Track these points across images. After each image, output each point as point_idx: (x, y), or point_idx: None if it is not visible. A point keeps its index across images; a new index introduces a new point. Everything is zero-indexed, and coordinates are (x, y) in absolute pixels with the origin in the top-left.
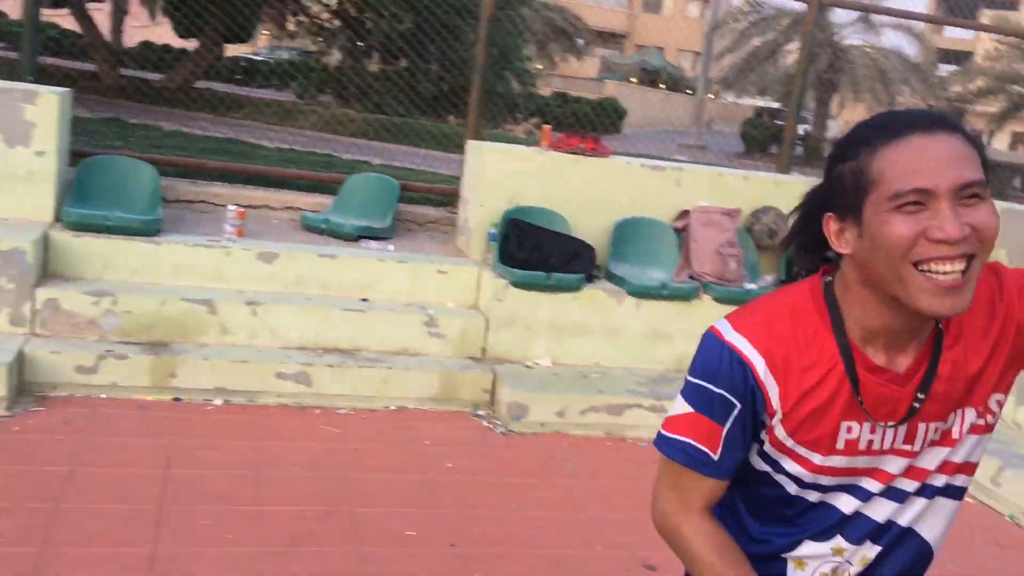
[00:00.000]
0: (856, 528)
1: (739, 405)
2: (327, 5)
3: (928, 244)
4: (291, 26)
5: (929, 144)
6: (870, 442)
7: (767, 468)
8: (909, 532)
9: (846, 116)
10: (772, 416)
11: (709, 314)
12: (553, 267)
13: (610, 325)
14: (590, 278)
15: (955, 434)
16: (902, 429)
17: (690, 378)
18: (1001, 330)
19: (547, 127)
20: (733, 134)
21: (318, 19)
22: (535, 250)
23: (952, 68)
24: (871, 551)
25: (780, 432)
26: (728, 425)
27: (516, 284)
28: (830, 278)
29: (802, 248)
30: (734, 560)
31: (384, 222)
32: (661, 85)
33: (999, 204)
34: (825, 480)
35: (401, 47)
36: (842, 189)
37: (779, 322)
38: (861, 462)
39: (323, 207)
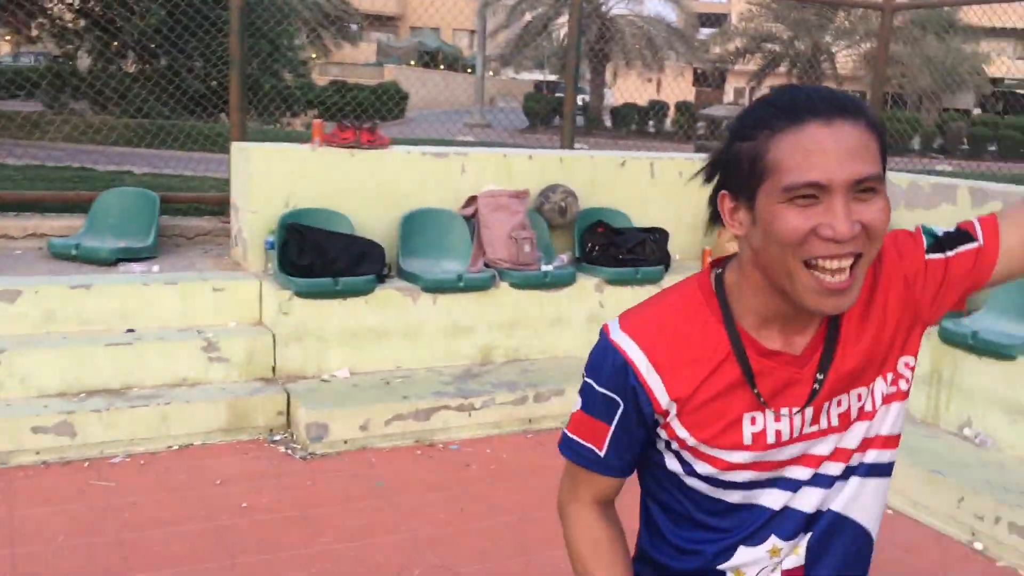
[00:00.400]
0: (788, 523)
1: (622, 404)
2: (70, 4)
3: (818, 241)
4: (33, 30)
5: (827, 135)
6: (778, 432)
7: (679, 469)
8: (846, 520)
9: (620, 84)
10: (664, 415)
11: (509, 301)
12: (340, 271)
13: (408, 325)
14: (381, 278)
15: (869, 407)
16: (808, 412)
17: (583, 375)
18: (887, 296)
19: (318, 121)
20: (517, 109)
21: (61, 20)
22: (318, 255)
23: (711, 31)
24: (803, 542)
25: (680, 430)
26: (614, 424)
27: (301, 294)
28: (720, 270)
29: (713, 219)
30: (606, 555)
31: (146, 240)
32: (441, 66)
33: None
34: (749, 476)
35: (159, 44)
36: (738, 170)
37: (667, 316)
38: (785, 453)
39: (74, 230)
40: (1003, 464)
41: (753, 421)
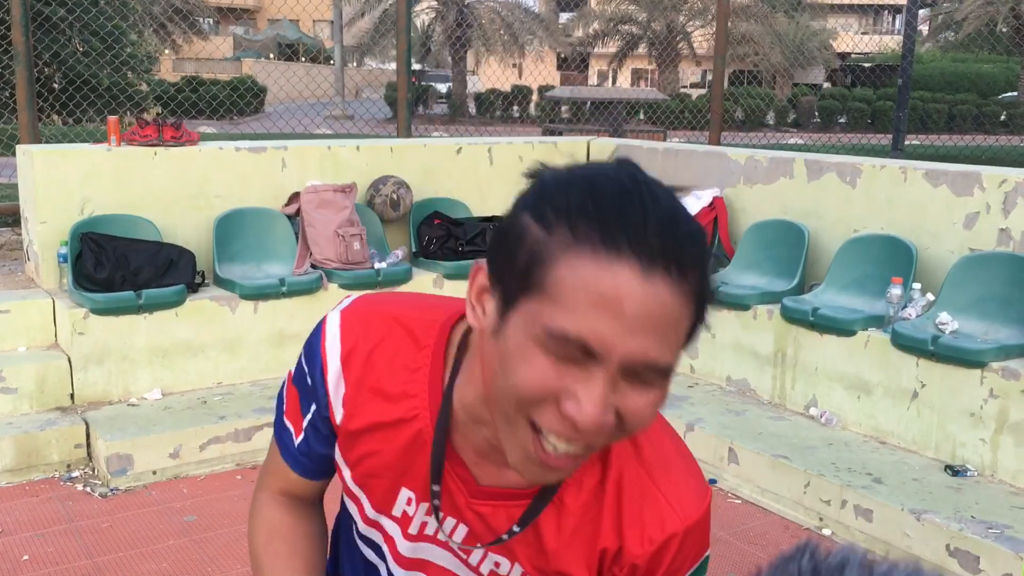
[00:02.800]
0: None
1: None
2: None
3: (554, 410)
4: None
5: (635, 290)
6: (423, 525)
7: (351, 502)
8: None
9: (485, 71)
10: (337, 431)
11: None
12: (145, 283)
13: (227, 337)
14: (194, 287)
15: None
16: (462, 527)
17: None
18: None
19: (113, 119)
20: (382, 100)
21: None
22: (119, 266)
23: (570, 15)
24: None
25: (340, 458)
26: (311, 413)
27: (98, 311)
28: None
29: None
30: (283, 548)
31: None
32: (303, 58)
33: (616, 141)
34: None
35: None
36: (510, 256)
37: (392, 327)
38: (431, 553)
39: None
40: (848, 443)
41: (409, 501)
